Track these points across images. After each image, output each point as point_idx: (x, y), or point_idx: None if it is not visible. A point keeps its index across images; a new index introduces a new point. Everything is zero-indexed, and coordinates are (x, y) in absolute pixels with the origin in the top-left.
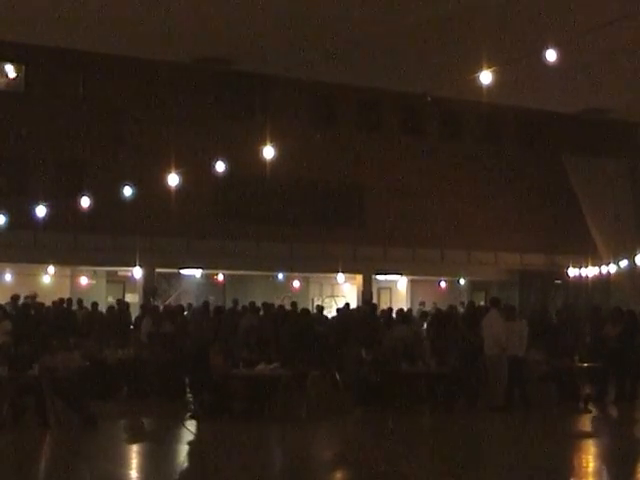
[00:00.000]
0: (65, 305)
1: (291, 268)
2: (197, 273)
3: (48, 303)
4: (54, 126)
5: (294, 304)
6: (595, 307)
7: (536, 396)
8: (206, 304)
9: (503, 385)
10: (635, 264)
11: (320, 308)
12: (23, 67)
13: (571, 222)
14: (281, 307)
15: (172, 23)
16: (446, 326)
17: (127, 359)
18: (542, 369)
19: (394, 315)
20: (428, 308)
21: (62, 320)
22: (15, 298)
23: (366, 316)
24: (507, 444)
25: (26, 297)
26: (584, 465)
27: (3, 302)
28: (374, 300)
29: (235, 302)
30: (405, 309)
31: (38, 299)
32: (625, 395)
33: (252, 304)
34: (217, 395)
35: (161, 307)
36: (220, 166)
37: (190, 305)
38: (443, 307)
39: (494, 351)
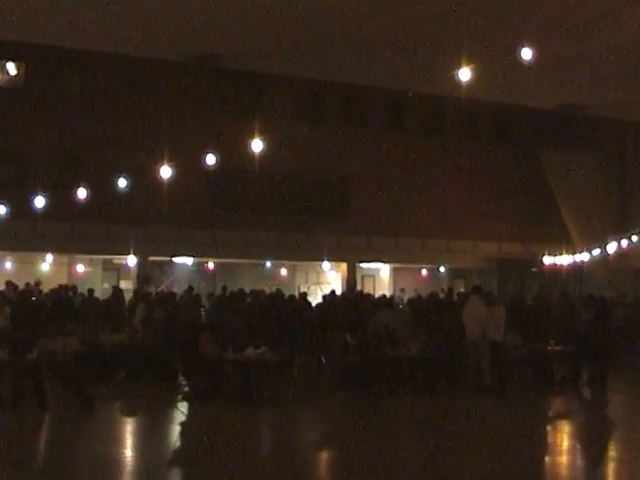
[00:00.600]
0: (65, 292)
1: (278, 257)
2: (189, 261)
3: (46, 290)
4: (52, 121)
5: (279, 291)
6: (569, 294)
7: (513, 378)
8: (190, 289)
9: (487, 367)
10: (607, 253)
11: (303, 295)
12: (23, 65)
13: (547, 213)
14: (269, 294)
15: (164, 22)
16: (427, 312)
17: (122, 343)
18: (519, 353)
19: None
20: (410, 295)
21: (60, 306)
22: (9, 284)
23: (350, 302)
24: (486, 424)
25: (26, 284)
26: (558, 443)
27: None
28: (358, 287)
29: (224, 289)
30: (387, 295)
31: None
32: (597, 377)
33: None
34: (208, 378)
35: (154, 294)
36: (211, 159)
37: (190, 288)
38: (424, 294)
39: (476, 335)
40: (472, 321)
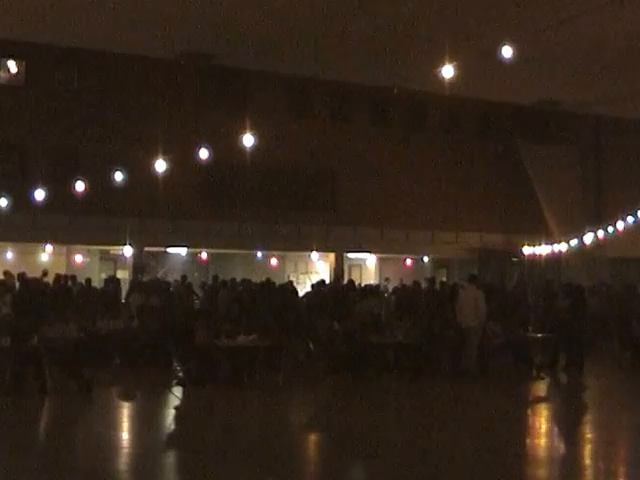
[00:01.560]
0: (63, 282)
1: (269, 247)
2: (183, 252)
3: (45, 279)
4: (52, 117)
5: (268, 280)
6: (547, 282)
7: (494, 365)
8: (184, 278)
9: (474, 353)
10: (584, 243)
11: (290, 283)
12: (24, 63)
13: (526, 204)
14: (260, 283)
15: (158, 22)
16: (411, 300)
17: (118, 330)
18: (499, 340)
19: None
20: (395, 284)
21: (59, 295)
22: (7, 273)
23: (338, 291)
24: (468, 408)
25: (20, 274)
26: (537, 426)
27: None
28: (345, 276)
29: (215, 278)
30: (373, 284)
31: (36, 275)
32: (574, 363)
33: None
34: (201, 364)
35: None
36: (204, 153)
37: (184, 277)
38: (408, 283)
39: (473, 323)
40: (469, 309)
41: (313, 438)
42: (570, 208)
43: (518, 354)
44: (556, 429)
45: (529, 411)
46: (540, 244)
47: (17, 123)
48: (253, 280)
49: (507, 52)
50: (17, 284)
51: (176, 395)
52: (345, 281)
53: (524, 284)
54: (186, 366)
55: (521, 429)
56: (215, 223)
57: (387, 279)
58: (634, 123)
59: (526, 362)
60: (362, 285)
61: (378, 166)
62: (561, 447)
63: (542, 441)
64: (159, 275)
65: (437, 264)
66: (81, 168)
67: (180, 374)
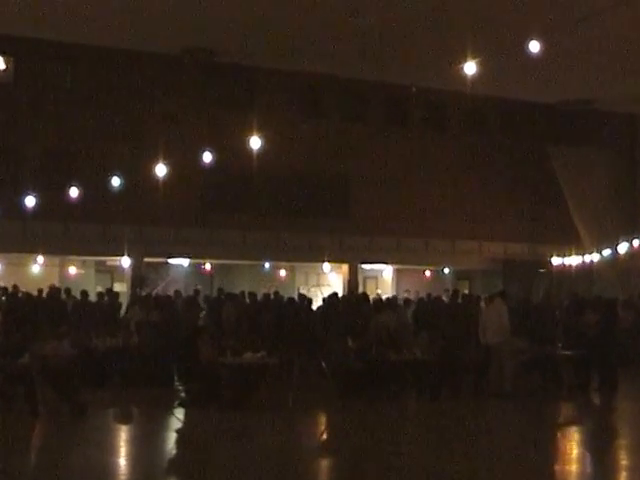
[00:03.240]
0: (56, 295)
1: (277, 257)
2: (185, 262)
3: (36, 293)
4: (43, 117)
5: (276, 293)
6: (575, 295)
7: (520, 384)
8: (196, 292)
9: (509, 372)
10: (618, 253)
11: (302, 296)
12: (12, 59)
13: (555, 212)
14: (267, 296)
15: (158, 15)
16: (431, 314)
17: (116, 348)
18: (525, 357)
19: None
20: (412, 296)
21: (52, 309)
22: None
23: (352, 304)
24: (493, 431)
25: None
26: (568, 452)
27: None
28: (360, 289)
29: (220, 291)
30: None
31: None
32: (607, 382)
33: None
34: (205, 383)
35: (153, 295)
36: (207, 156)
37: (179, 293)
38: (424, 295)
39: (498, 339)
40: (494, 324)
41: (325, 464)
42: (603, 215)
43: (546, 373)
44: (588, 455)
45: (559, 435)
46: (570, 254)
47: (5, 123)
48: (260, 293)
49: (534, 47)
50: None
51: (178, 417)
52: (359, 294)
53: (552, 298)
54: (189, 386)
55: (551, 455)
56: (219, 231)
57: (407, 291)
58: None
59: (555, 381)
60: (378, 298)
61: (395, 170)
62: (594, 474)
63: (573, 467)
64: (159, 288)
65: (458, 276)
66: (75, 172)
67: (182, 394)
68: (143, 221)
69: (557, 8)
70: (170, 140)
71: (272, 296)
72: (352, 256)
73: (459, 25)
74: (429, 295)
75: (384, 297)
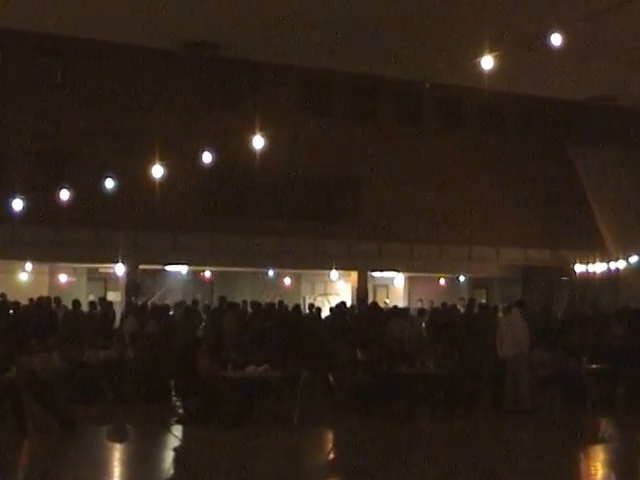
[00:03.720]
0: (45, 305)
1: (282, 265)
2: (183, 270)
3: (25, 302)
4: (32, 114)
5: (281, 302)
6: (600, 305)
7: (541, 399)
8: (195, 302)
9: (526, 387)
10: None
11: (311, 306)
12: None
13: (578, 215)
14: (271, 305)
15: (156, 6)
16: (445, 325)
17: (109, 361)
18: (547, 371)
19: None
20: (427, 306)
21: (41, 320)
22: None
23: (361, 315)
24: (512, 450)
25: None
26: (593, 473)
27: None
28: (370, 298)
29: (221, 300)
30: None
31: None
32: (634, 398)
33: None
34: (204, 398)
35: (149, 305)
36: (207, 157)
37: (182, 303)
38: (439, 305)
39: (514, 352)
40: (511, 336)
41: None
42: (629, 219)
43: (569, 388)
44: (615, 477)
45: (582, 454)
46: (594, 261)
47: None
48: (264, 302)
49: (555, 40)
50: None
51: (175, 435)
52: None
53: (575, 307)
54: (187, 401)
55: (574, 477)
56: (220, 237)
57: (420, 300)
58: None
59: (578, 397)
60: (390, 307)
61: (407, 171)
62: None
63: None
64: (156, 297)
65: (474, 284)
66: (66, 174)
67: (180, 410)
68: (139, 226)
69: None
70: (168, 139)
71: (276, 306)
72: (361, 263)
73: (476, 16)
74: (444, 305)
75: (396, 306)
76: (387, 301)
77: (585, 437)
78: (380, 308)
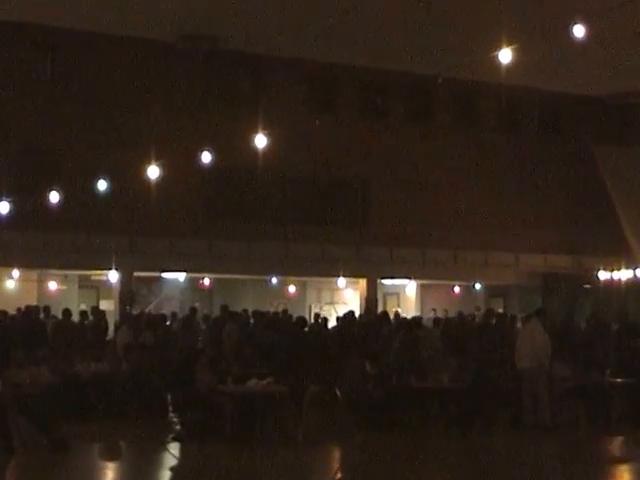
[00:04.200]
0: (34, 315)
1: (286, 271)
2: (181, 277)
3: (12, 311)
4: (19, 110)
5: (285, 312)
6: (625, 315)
7: (562, 415)
8: (193, 311)
9: (545, 402)
10: None
11: (317, 317)
12: None
13: (601, 219)
14: (274, 315)
15: None
16: (460, 336)
17: (102, 374)
18: (568, 385)
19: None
20: (439, 315)
21: (29, 330)
22: None
23: (370, 325)
24: (530, 470)
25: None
26: None
27: None
28: (379, 307)
29: (223, 309)
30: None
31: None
32: None
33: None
34: (203, 414)
35: (144, 314)
36: (206, 156)
37: (174, 314)
38: (455, 315)
39: (532, 364)
40: (530, 348)
41: None
42: None
43: (592, 403)
44: None
45: (606, 476)
46: (619, 268)
47: None
48: (267, 311)
49: (578, 32)
50: None
51: (172, 453)
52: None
53: (599, 317)
54: (185, 417)
55: None
56: (220, 242)
57: (434, 310)
58: None
59: (602, 413)
60: (401, 317)
61: (419, 172)
62: None
63: None
64: (152, 306)
65: (492, 292)
66: (56, 174)
67: (178, 427)
68: (133, 230)
69: None
70: (164, 137)
71: (280, 315)
72: (371, 270)
73: (493, 5)
74: (461, 315)
75: (407, 316)
76: (399, 310)
77: (609, 456)
78: (389, 318)
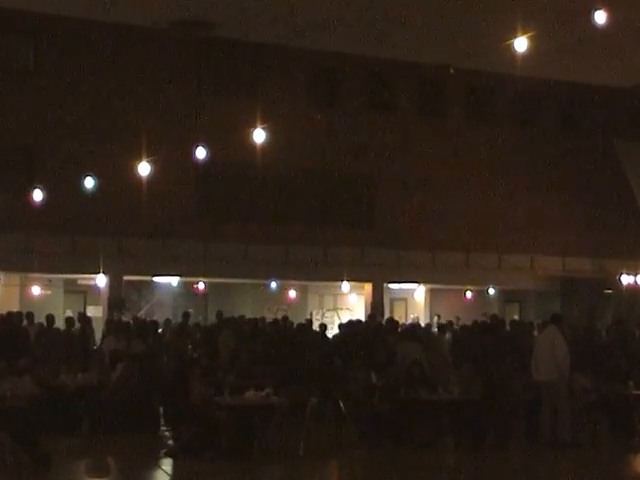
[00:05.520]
0: (16, 322)
1: (286, 275)
2: (174, 281)
3: None
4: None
5: (285, 318)
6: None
7: (582, 430)
8: (187, 316)
9: (566, 417)
10: None
11: (319, 325)
12: None
13: (624, 219)
14: (274, 322)
15: None
16: (472, 345)
17: (89, 385)
18: (589, 397)
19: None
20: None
21: (11, 338)
22: None
23: (376, 333)
24: None
25: None
26: None
27: None
28: (386, 313)
29: (219, 315)
30: (423, 324)
31: None
32: None
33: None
34: (198, 428)
35: (134, 321)
36: (201, 152)
37: (168, 321)
38: (468, 322)
39: (551, 376)
40: (548, 358)
41: None
42: None
43: (616, 417)
44: None
45: None
46: None
47: None
48: (265, 318)
49: (599, 18)
50: None
51: (164, 470)
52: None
53: (622, 324)
54: (178, 431)
55: None
56: (216, 244)
57: (438, 316)
58: None
59: (626, 428)
60: (408, 324)
61: (428, 170)
62: None
63: None
64: (142, 312)
65: (506, 298)
66: (39, 173)
67: (170, 442)
68: (122, 231)
69: None
70: (156, 133)
71: (280, 322)
72: (377, 274)
73: None
74: (476, 323)
75: (415, 323)
76: (413, 316)
77: (633, 475)
78: (397, 325)
